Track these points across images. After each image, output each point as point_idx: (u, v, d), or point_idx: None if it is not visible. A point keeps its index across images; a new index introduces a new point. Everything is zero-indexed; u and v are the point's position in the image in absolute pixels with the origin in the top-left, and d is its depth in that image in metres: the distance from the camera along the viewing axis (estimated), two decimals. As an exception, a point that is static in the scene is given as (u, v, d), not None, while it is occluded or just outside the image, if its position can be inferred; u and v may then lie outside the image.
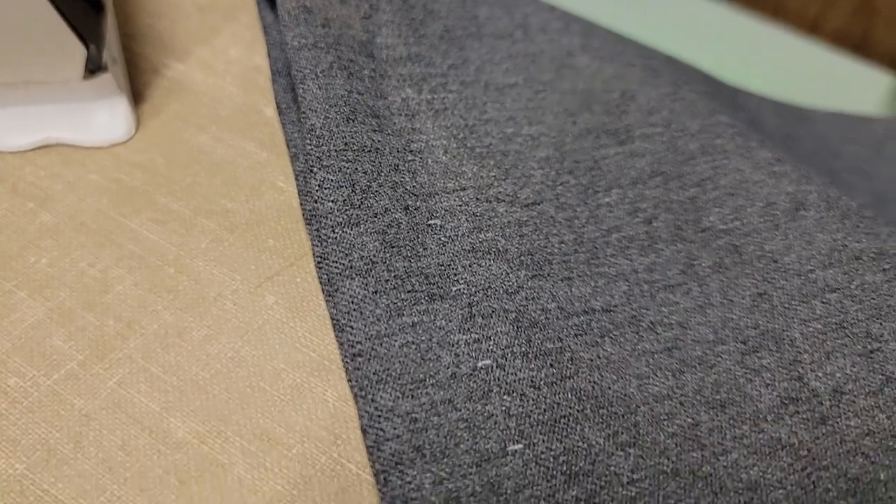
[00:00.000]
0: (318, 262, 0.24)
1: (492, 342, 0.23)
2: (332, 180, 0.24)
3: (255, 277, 0.26)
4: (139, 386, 0.24)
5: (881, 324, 0.24)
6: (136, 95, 0.31)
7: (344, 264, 0.23)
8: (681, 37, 0.45)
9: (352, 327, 0.22)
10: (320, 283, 0.24)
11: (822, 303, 0.24)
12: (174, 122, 0.30)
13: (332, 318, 0.23)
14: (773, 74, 0.45)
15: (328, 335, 0.25)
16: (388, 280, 0.23)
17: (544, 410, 0.22)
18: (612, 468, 0.21)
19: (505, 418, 0.21)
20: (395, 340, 0.22)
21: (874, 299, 0.24)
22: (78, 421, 0.23)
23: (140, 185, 0.28)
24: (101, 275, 0.26)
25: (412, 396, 0.21)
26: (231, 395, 0.24)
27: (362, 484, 0.22)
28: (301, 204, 0.26)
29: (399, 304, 0.23)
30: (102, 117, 0.29)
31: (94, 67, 0.28)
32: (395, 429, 0.21)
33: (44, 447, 0.23)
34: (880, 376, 0.23)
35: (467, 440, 0.21)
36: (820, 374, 0.23)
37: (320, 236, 0.24)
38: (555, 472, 0.21)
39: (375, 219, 0.24)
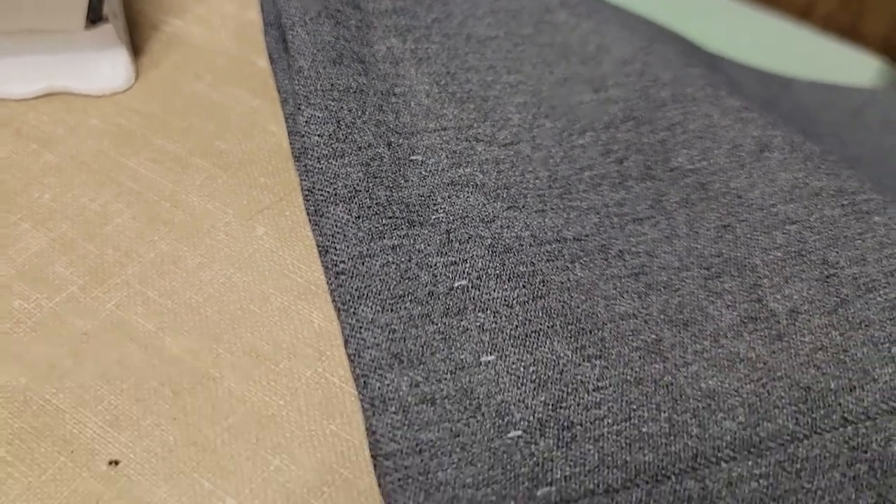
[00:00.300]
0: (306, 195, 0.26)
1: (468, 265, 0.24)
2: (318, 117, 0.25)
3: (246, 211, 0.27)
4: (136, 308, 0.25)
5: (837, 252, 0.25)
6: (136, 49, 0.32)
7: (329, 192, 0.24)
8: (671, 19, 0.45)
9: (335, 248, 0.23)
10: (307, 213, 0.26)
11: (783, 233, 0.25)
12: (172, 73, 0.32)
13: (318, 243, 0.24)
14: (763, 58, 0.46)
15: (315, 263, 0.26)
16: (370, 207, 0.24)
17: (516, 326, 0.23)
18: (579, 377, 0.22)
19: (479, 332, 0.23)
20: (376, 261, 0.23)
21: (832, 231, 0.25)
22: (78, 339, 0.24)
23: (138, 129, 0.29)
24: (101, 209, 0.27)
25: (391, 310, 0.23)
26: (222, 317, 0.25)
27: (345, 395, 0.23)
28: (290, 143, 0.27)
29: (380, 228, 0.24)
30: (104, 67, 0.31)
31: (95, 17, 0.30)
32: (374, 338, 0.22)
33: (46, 363, 0.24)
34: (835, 298, 0.24)
35: (443, 350, 0.22)
36: (778, 297, 0.24)
37: (307, 168, 0.25)
38: (524, 381, 0.22)
39: (359, 152, 0.25)
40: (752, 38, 0.48)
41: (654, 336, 0.23)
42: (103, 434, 0.23)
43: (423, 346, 0.22)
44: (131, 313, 0.25)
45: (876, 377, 0.22)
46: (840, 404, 0.22)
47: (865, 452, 0.21)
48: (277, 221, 0.27)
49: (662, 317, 0.23)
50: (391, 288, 0.23)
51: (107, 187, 0.28)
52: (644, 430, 0.21)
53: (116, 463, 0.22)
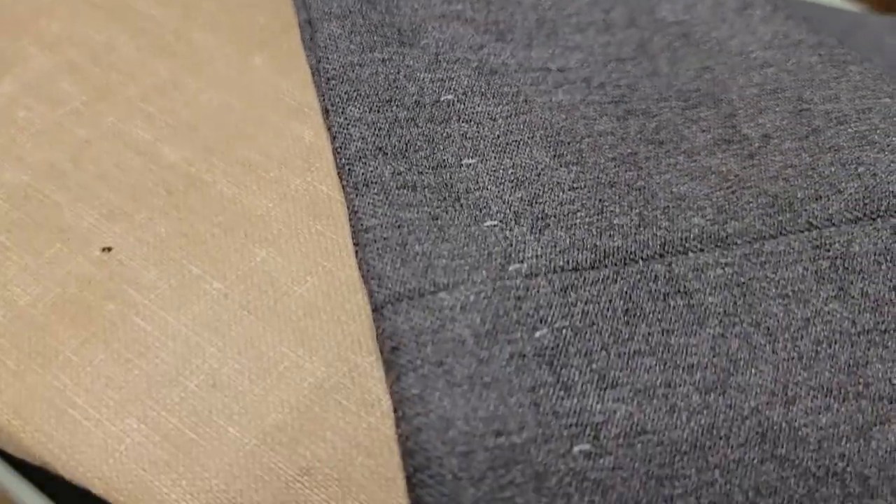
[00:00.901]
0: (302, 25, 0.26)
1: (454, 82, 0.24)
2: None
3: (245, 45, 0.28)
4: (136, 122, 0.26)
5: (812, 91, 0.25)
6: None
7: (324, 11, 0.25)
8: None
9: (328, 58, 0.24)
10: (300, 31, 0.26)
11: (760, 74, 0.26)
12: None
13: (312, 62, 0.25)
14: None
15: (308, 87, 0.26)
16: (363, 25, 0.25)
17: (497, 136, 0.23)
18: (555, 179, 0.23)
19: (461, 139, 0.23)
20: (366, 69, 0.24)
21: (808, 74, 0.26)
22: (79, 146, 0.25)
23: (146, -23, 0.30)
24: (108, 39, 0.28)
25: (378, 111, 0.23)
26: (218, 133, 0.25)
27: (331, 201, 0.24)
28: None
29: (372, 43, 0.24)
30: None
31: None
32: (361, 133, 0.23)
33: (47, 164, 0.25)
34: (807, 128, 0.24)
35: (426, 149, 0.23)
36: (752, 125, 0.24)
37: (304, -3, 0.26)
38: (503, 180, 0.22)
39: None
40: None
41: (629, 150, 0.23)
42: (98, 225, 0.23)
43: (406, 144, 0.23)
44: (131, 126, 0.25)
45: (841, 189, 0.22)
46: (806, 210, 0.22)
47: (828, 251, 0.21)
48: (274, 53, 0.27)
49: (639, 136, 0.24)
50: (379, 93, 0.23)
51: (114, 22, 0.28)
52: (615, 221, 0.22)
53: (109, 250, 0.23)
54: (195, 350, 0.21)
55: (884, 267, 0.21)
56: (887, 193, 0.22)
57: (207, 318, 0.22)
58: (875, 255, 0.21)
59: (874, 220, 0.22)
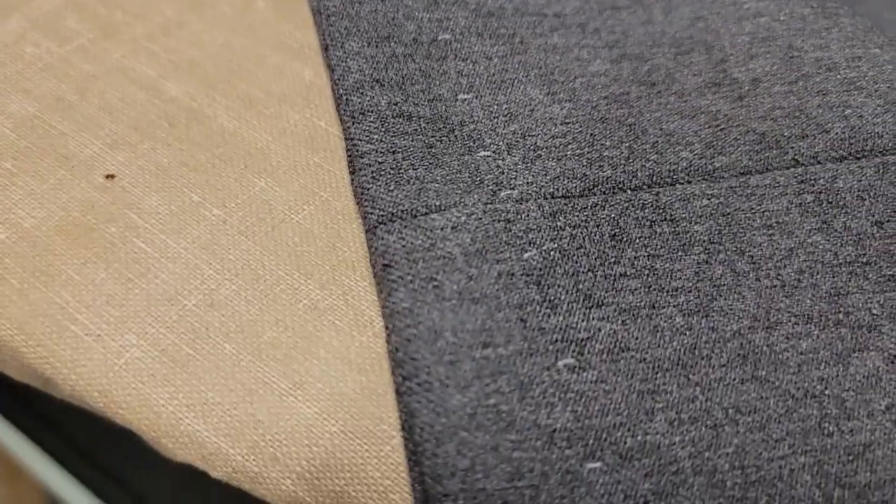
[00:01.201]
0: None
1: (452, 23, 0.25)
2: None
3: (249, -11, 0.28)
4: (140, 59, 0.26)
5: (803, 40, 0.26)
6: None
7: None
8: None
9: (328, -6, 0.24)
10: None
11: (752, 24, 0.26)
12: None
13: (313, 2, 0.26)
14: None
15: (309, 30, 0.27)
16: (361, -34, 0.25)
17: (493, 74, 0.24)
18: (548, 115, 0.23)
19: (457, 76, 0.24)
20: (365, 7, 0.24)
21: (799, 24, 0.26)
22: (84, 80, 0.25)
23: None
24: (114, -18, 0.28)
25: (376, 46, 0.23)
26: (220, 71, 0.26)
27: (329, 136, 0.24)
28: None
29: None
30: None
31: None
32: (359, 66, 0.23)
33: (53, 96, 0.25)
34: (797, 73, 0.25)
35: (422, 83, 0.23)
36: (743, 69, 0.25)
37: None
38: (497, 115, 0.23)
39: None
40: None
41: (622, 90, 0.24)
42: (102, 154, 0.24)
43: (403, 78, 0.23)
44: (136, 62, 0.26)
45: (828, 130, 0.23)
46: (792, 147, 0.22)
47: (813, 186, 0.22)
48: (277, -3, 0.28)
49: (632, 78, 0.24)
50: (378, 30, 0.24)
51: (120, -33, 0.29)
52: (605, 154, 0.22)
53: (112, 177, 0.23)
54: (194, 271, 0.22)
55: (867, 203, 0.22)
56: (872, 134, 0.23)
57: (206, 242, 0.22)
58: (859, 191, 0.22)
59: (859, 159, 0.22)
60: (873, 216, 0.21)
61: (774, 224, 0.21)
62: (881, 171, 0.22)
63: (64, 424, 0.37)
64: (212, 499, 0.31)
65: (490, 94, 0.23)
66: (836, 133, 0.23)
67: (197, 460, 0.20)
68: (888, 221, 0.21)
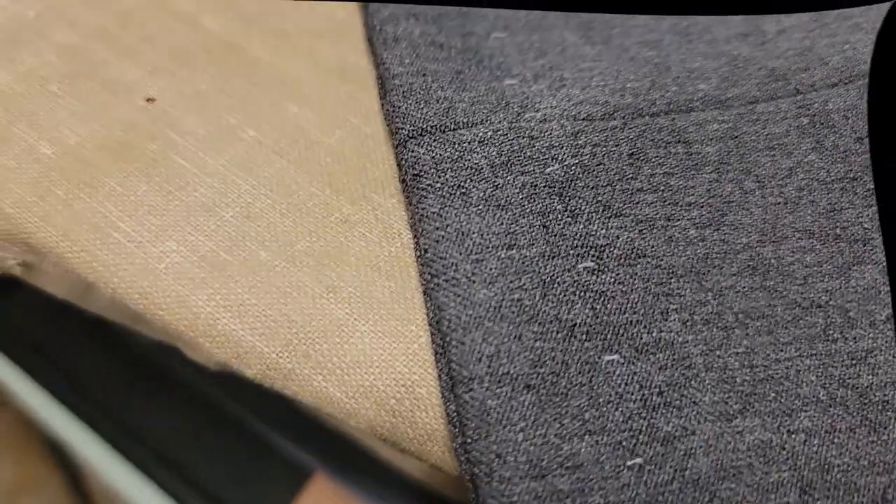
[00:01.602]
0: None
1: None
2: None
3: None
4: (178, -5, 0.27)
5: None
6: None
7: None
8: None
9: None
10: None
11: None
12: None
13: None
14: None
15: None
16: None
17: (528, 15, 0.25)
18: (580, 54, 0.24)
19: (494, 18, 0.24)
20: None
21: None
22: (125, 13, 0.26)
23: None
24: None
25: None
26: (256, 7, 0.27)
27: (359, 69, 0.25)
28: None
29: None
30: None
31: None
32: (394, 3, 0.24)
33: (96, 27, 0.26)
34: (818, 23, 0.26)
35: (457, 20, 0.24)
36: (773, 22, 0.25)
37: None
38: (528, 50, 0.24)
39: None
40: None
41: (656, 37, 0.25)
42: (143, 79, 0.25)
43: (439, 14, 0.24)
44: None
45: (827, 62, 0.24)
46: (795, 78, 0.23)
47: (809, 110, 0.23)
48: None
49: (669, 28, 0.25)
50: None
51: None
52: (628, 85, 0.23)
53: (153, 100, 0.24)
54: (230, 186, 0.23)
55: (850, 121, 0.23)
56: (861, 62, 0.24)
57: (242, 160, 0.23)
58: (844, 111, 0.23)
59: (847, 84, 0.23)
60: (855, 133, 0.22)
61: (776, 145, 0.22)
62: (861, 91, 0.23)
63: (79, 375, 0.37)
64: (220, 448, 0.32)
65: (523, 33, 0.24)
66: (833, 65, 0.24)
67: (232, 359, 0.21)
68: (867, 137, 0.22)
